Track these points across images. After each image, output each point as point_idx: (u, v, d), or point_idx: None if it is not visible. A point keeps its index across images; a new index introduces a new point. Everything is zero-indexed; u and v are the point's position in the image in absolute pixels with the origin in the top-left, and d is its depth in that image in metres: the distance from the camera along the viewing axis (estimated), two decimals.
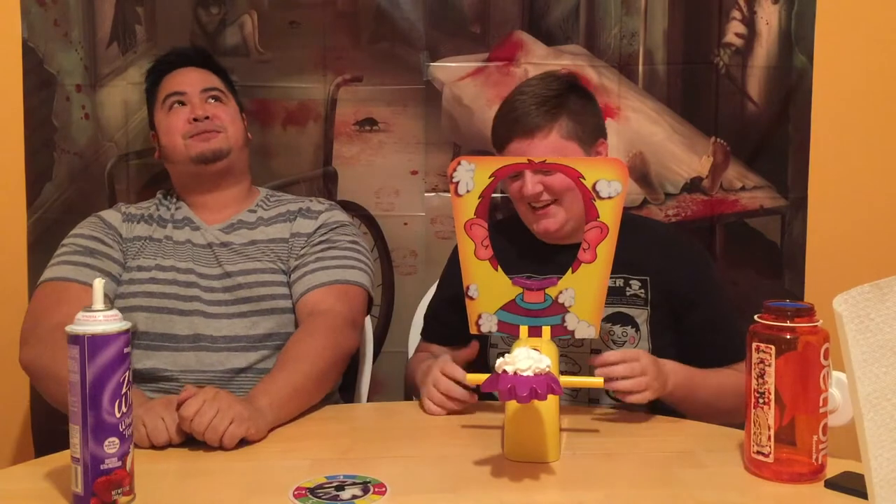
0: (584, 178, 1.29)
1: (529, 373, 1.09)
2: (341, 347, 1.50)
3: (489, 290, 1.33)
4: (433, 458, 1.24)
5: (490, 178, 1.31)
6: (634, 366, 1.32)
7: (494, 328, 1.33)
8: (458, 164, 1.31)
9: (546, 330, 1.30)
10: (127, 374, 1.03)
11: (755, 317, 1.14)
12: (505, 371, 1.11)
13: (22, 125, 1.97)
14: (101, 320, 1.02)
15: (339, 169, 2.02)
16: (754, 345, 1.13)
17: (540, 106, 1.49)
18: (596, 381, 1.29)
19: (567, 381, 1.24)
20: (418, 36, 1.99)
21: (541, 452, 1.20)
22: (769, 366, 1.11)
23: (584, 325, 1.31)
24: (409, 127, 2.00)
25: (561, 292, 1.31)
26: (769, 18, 2.00)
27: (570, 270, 1.31)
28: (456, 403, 1.40)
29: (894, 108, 2.04)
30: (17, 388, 1.95)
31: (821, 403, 1.11)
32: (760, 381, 1.12)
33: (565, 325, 1.31)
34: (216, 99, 1.71)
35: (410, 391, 1.65)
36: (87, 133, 1.99)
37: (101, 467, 1.01)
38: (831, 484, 1.10)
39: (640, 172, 2.02)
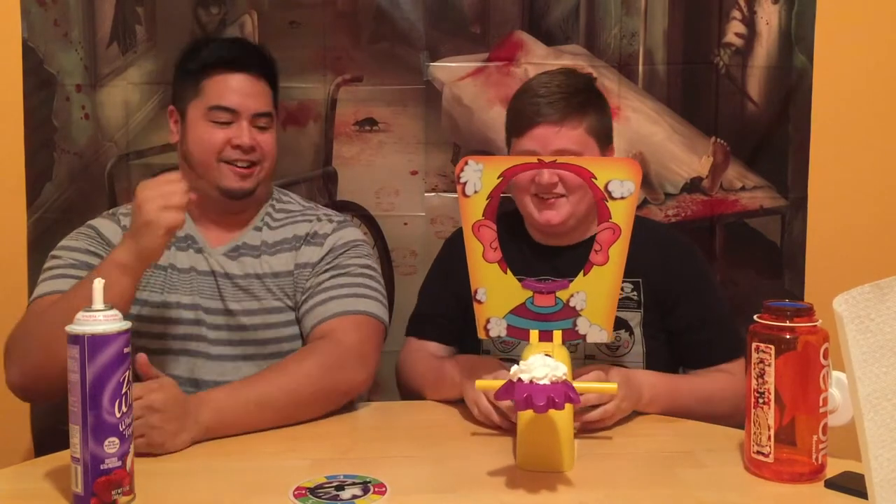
0: (596, 178, 1.25)
1: (546, 381, 1.07)
2: (336, 389, 1.40)
3: (498, 293, 1.29)
4: (433, 458, 1.24)
5: (499, 178, 1.27)
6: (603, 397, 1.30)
7: (504, 333, 1.30)
8: (466, 163, 1.27)
9: (557, 334, 1.27)
10: (127, 373, 1.03)
11: (755, 317, 1.14)
12: (520, 379, 1.08)
13: (22, 125, 1.97)
14: (101, 320, 1.02)
15: (339, 169, 2.02)
16: (754, 345, 1.13)
17: (572, 96, 1.49)
18: (610, 386, 1.25)
19: (579, 386, 1.21)
20: (418, 36, 1.99)
21: (556, 461, 1.17)
22: (769, 366, 1.11)
23: (595, 329, 1.28)
24: (409, 127, 2.00)
25: (572, 295, 1.28)
26: (769, 18, 2.00)
27: (581, 273, 1.28)
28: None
29: (894, 108, 2.04)
30: None
31: (821, 403, 1.11)
32: (760, 381, 1.12)
33: (577, 329, 1.28)
34: (265, 127, 1.56)
35: (406, 391, 1.63)
36: (87, 133, 1.99)
37: (101, 467, 1.01)
38: (831, 484, 1.10)
39: None
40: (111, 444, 1.02)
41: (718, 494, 1.10)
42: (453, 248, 1.64)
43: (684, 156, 2.02)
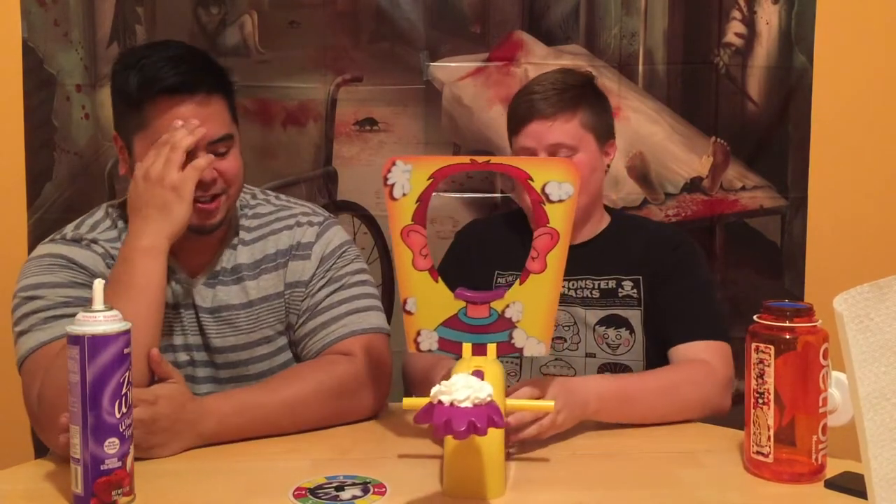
0: (532, 179, 1.15)
1: (468, 404, 0.95)
2: (347, 413, 1.36)
3: (429, 304, 1.19)
4: (433, 458, 1.24)
5: (429, 180, 1.17)
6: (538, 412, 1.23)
7: (435, 346, 1.20)
8: (393, 164, 1.17)
9: (492, 348, 1.17)
10: (127, 374, 1.03)
11: (755, 317, 1.14)
12: (441, 402, 0.96)
13: (22, 125, 1.97)
14: (101, 320, 1.02)
15: (339, 169, 2.02)
16: (754, 345, 1.13)
17: (563, 92, 1.51)
18: (546, 404, 1.16)
19: (514, 404, 1.14)
20: (418, 36, 1.99)
21: (482, 489, 1.07)
22: (769, 366, 1.11)
23: (533, 342, 1.18)
24: (409, 127, 2.01)
25: (508, 306, 1.17)
26: (769, 18, 2.00)
27: (517, 282, 1.19)
28: None
29: (894, 108, 2.04)
30: (17, 388, 1.94)
31: (820, 403, 1.11)
32: (760, 381, 1.12)
33: (513, 341, 1.18)
34: (225, 151, 1.35)
35: (410, 387, 1.63)
36: (87, 133, 1.99)
37: (102, 468, 1.01)
38: (831, 484, 1.10)
39: (640, 172, 2.02)
40: (111, 445, 1.02)
41: (718, 494, 1.10)
42: (464, 242, 1.66)
43: (684, 156, 2.02)
